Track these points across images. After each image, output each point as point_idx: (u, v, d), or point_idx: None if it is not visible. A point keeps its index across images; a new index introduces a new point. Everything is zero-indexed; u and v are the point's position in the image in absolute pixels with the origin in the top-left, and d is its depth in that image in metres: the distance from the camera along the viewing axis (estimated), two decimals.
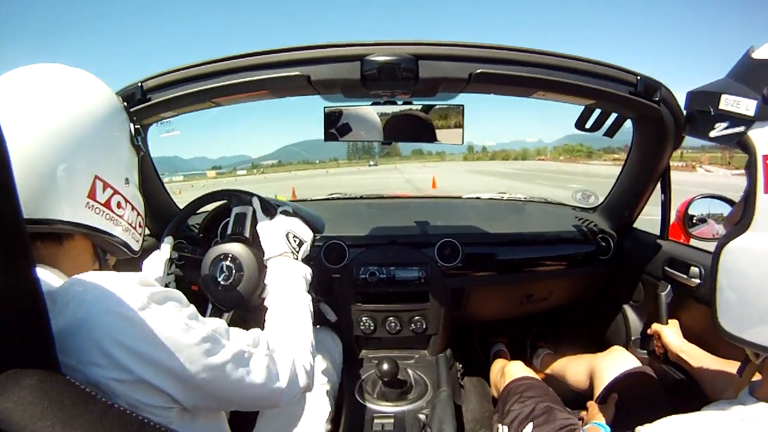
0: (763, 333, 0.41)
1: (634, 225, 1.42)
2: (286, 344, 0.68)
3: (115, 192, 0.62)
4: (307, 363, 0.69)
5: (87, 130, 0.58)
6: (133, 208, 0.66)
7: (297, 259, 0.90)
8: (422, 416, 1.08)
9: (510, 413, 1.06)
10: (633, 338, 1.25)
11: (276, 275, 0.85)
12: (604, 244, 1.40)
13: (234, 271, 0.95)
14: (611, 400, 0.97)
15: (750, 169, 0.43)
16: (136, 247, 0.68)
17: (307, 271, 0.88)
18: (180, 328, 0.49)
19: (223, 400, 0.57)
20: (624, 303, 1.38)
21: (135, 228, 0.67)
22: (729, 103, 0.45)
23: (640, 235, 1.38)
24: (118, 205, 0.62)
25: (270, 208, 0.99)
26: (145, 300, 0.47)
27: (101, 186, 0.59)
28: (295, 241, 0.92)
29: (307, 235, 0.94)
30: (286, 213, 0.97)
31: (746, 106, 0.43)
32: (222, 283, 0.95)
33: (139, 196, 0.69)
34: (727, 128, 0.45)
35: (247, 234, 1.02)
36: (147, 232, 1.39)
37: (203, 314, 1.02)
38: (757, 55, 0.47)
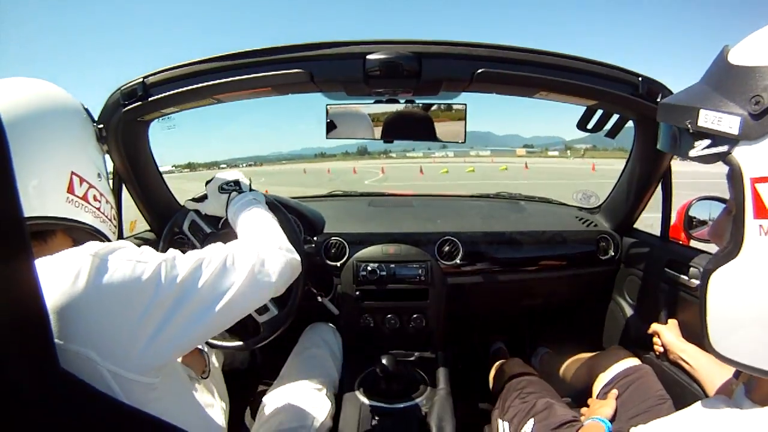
0: (756, 356, 0.40)
1: (635, 225, 1.42)
2: (245, 240, 0.71)
3: (91, 186, 0.65)
4: (274, 245, 0.70)
5: (57, 131, 0.62)
6: (107, 201, 0.70)
7: (240, 192, 0.93)
8: (421, 413, 1.09)
9: (511, 409, 1.06)
10: (632, 338, 1.25)
11: (230, 216, 0.89)
12: (604, 244, 1.41)
13: None
14: (611, 396, 0.98)
15: (735, 189, 0.40)
16: (113, 238, 0.71)
17: (255, 194, 0.91)
18: (132, 267, 0.50)
19: (207, 313, 0.56)
20: (624, 303, 1.38)
21: (110, 220, 0.71)
22: (709, 119, 0.41)
23: (641, 236, 1.38)
24: (95, 198, 0.66)
25: (201, 196, 1.02)
26: (92, 258, 0.48)
27: (78, 181, 0.63)
28: (229, 186, 0.94)
29: (233, 174, 0.97)
30: (207, 183, 0.99)
31: (729, 123, 0.39)
32: None
33: (109, 188, 0.73)
34: (708, 147, 0.41)
35: (208, 230, 1.05)
36: (147, 227, 1.41)
37: None
38: (734, 59, 0.42)
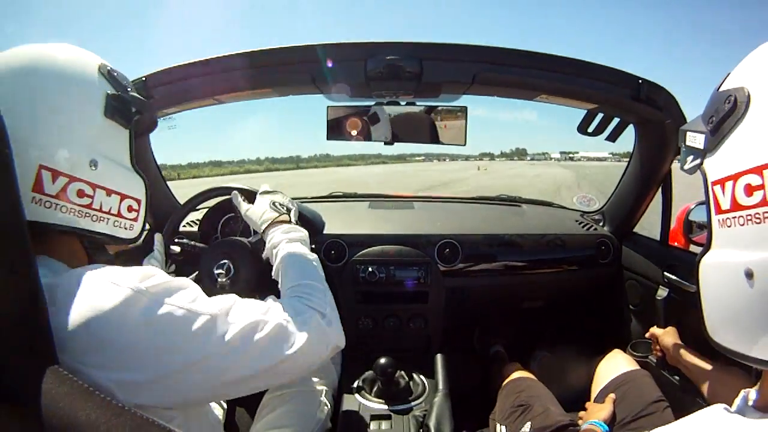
0: (743, 343, 0.42)
1: (635, 229, 1.43)
2: (302, 306, 0.65)
3: (73, 179, 0.53)
4: (328, 319, 0.66)
5: (26, 113, 0.50)
6: (109, 192, 0.57)
7: (291, 222, 0.88)
8: (420, 416, 1.08)
9: (508, 412, 1.06)
10: (631, 342, 1.26)
11: (274, 242, 0.82)
12: (604, 247, 1.41)
13: (231, 269, 0.97)
14: (609, 399, 0.98)
15: (706, 193, 0.47)
16: (125, 234, 0.60)
17: (304, 234, 0.86)
18: (183, 317, 0.48)
19: (250, 380, 0.54)
20: (623, 307, 1.38)
21: (117, 215, 0.58)
22: (689, 139, 0.50)
23: (640, 240, 1.38)
24: (80, 194, 0.54)
25: (250, 195, 0.99)
26: (144, 294, 0.46)
27: (49, 176, 0.51)
28: (282, 207, 0.90)
29: (291, 203, 0.94)
30: (265, 192, 0.96)
31: (699, 140, 0.48)
32: (219, 280, 0.97)
33: (124, 175, 0.60)
34: (692, 161, 0.50)
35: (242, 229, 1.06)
36: (147, 226, 1.41)
37: None
38: (722, 86, 0.48)
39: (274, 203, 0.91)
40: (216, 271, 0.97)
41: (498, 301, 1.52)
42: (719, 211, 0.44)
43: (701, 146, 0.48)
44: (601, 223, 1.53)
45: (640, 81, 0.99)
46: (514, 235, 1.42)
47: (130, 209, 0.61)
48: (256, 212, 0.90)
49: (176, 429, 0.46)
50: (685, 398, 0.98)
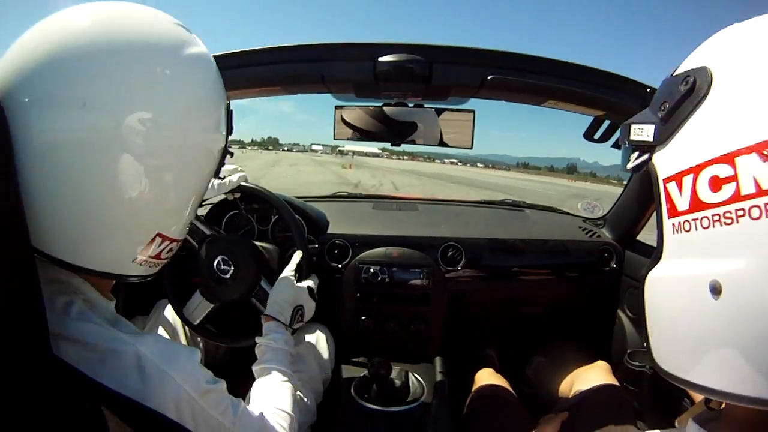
0: (696, 370, 0.36)
1: (638, 237, 1.42)
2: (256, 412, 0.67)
3: (172, 241, 0.51)
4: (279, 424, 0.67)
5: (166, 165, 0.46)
6: (179, 242, 0.55)
7: (290, 331, 0.88)
8: (418, 418, 1.08)
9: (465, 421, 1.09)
10: (629, 351, 1.25)
11: (267, 343, 0.83)
12: (606, 255, 1.41)
13: (232, 268, 0.98)
14: (560, 417, 0.97)
15: (655, 195, 0.41)
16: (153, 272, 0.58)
17: (292, 345, 0.87)
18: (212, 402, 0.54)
19: None
20: (623, 315, 1.38)
21: (167, 258, 0.56)
22: (636, 132, 0.44)
23: (643, 248, 1.38)
24: (169, 251, 0.52)
25: (304, 267, 0.99)
26: (206, 383, 0.53)
27: (159, 241, 0.49)
28: (298, 318, 0.91)
29: (309, 313, 0.95)
30: (310, 289, 0.96)
31: (647, 132, 0.42)
32: (219, 275, 0.98)
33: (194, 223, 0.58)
34: (637, 158, 0.44)
35: (208, 232, 1.05)
36: None
37: (187, 300, 1.04)
38: (677, 71, 0.43)
39: (296, 310, 0.89)
40: (216, 267, 0.98)
41: (499, 305, 1.52)
42: (674, 213, 0.38)
43: (650, 138, 0.42)
44: (602, 228, 1.53)
45: (648, 90, 0.99)
46: (517, 240, 1.42)
47: (170, 251, 0.56)
48: (279, 301, 0.88)
49: (175, 420, 0.46)
50: (680, 408, 0.98)
